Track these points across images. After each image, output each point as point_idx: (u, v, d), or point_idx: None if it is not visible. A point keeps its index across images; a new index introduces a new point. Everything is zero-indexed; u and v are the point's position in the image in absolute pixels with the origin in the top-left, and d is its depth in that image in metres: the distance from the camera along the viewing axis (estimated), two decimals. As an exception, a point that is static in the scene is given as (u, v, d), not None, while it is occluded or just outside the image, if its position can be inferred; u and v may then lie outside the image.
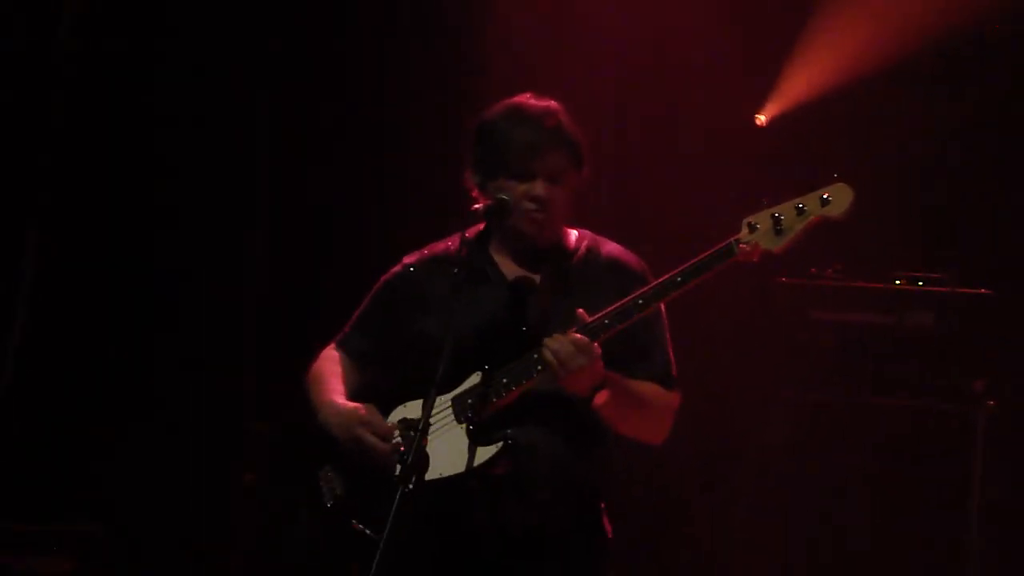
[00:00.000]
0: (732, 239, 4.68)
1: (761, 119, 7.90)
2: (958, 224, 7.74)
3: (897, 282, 7.43)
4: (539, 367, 4.75)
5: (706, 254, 4.70)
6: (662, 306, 4.92)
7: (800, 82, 7.80)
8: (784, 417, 7.43)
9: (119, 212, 7.91)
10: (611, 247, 5.10)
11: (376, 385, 5.15)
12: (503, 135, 4.93)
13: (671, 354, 5.01)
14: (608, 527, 5.01)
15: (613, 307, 4.74)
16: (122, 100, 7.89)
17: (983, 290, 7.30)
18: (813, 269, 7.52)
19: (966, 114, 7.72)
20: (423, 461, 4.56)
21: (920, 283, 7.40)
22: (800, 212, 4.63)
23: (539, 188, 4.89)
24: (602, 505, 5.01)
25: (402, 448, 4.70)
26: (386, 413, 5.00)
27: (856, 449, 7.28)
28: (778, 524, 7.36)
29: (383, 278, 5.21)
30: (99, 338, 7.84)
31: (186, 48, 7.98)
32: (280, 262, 8.15)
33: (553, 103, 5.00)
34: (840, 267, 7.50)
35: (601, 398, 4.80)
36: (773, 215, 4.64)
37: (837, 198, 4.61)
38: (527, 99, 5.02)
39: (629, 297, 4.75)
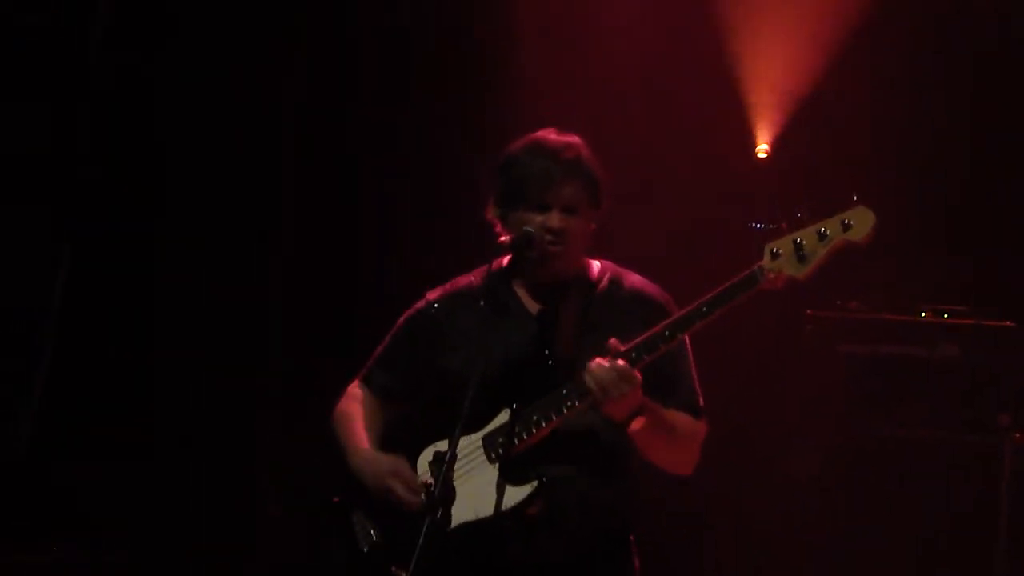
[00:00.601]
0: (756, 267, 4.66)
1: (764, 150, 7.95)
2: (978, 252, 7.74)
3: (923, 314, 7.42)
4: (570, 401, 4.75)
5: (730, 283, 4.69)
6: (686, 337, 4.90)
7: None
8: (811, 449, 7.41)
9: (142, 227, 7.98)
10: (634, 278, 5.09)
11: (402, 423, 5.16)
12: (522, 167, 4.95)
13: (697, 384, 5.00)
14: (637, 559, 5.00)
15: (640, 339, 4.73)
16: (147, 112, 7.97)
17: (1008, 322, 7.29)
18: (839, 301, 7.52)
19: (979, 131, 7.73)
20: (450, 494, 4.57)
21: (946, 315, 7.39)
22: (822, 237, 4.60)
23: (554, 220, 4.89)
24: (631, 537, 5.01)
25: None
26: (415, 452, 5.00)
27: (882, 481, 7.25)
28: (805, 556, 7.33)
29: (405, 314, 5.21)
30: (125, 355, 7.90)
31: (210, 58, 8.03)
32: (302, 278, 8.18)
33: (574, 138, 5.02)
34: (863, 299, 7.50)
35: (637, 424, 4.78)
36: (795, 241, 4.61)
37: (859, 222, 4.58)
38: (549, 133, 5.04)
39: (656, 328, 4.74)
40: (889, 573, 7.19)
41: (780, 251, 4.63)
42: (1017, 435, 7.12)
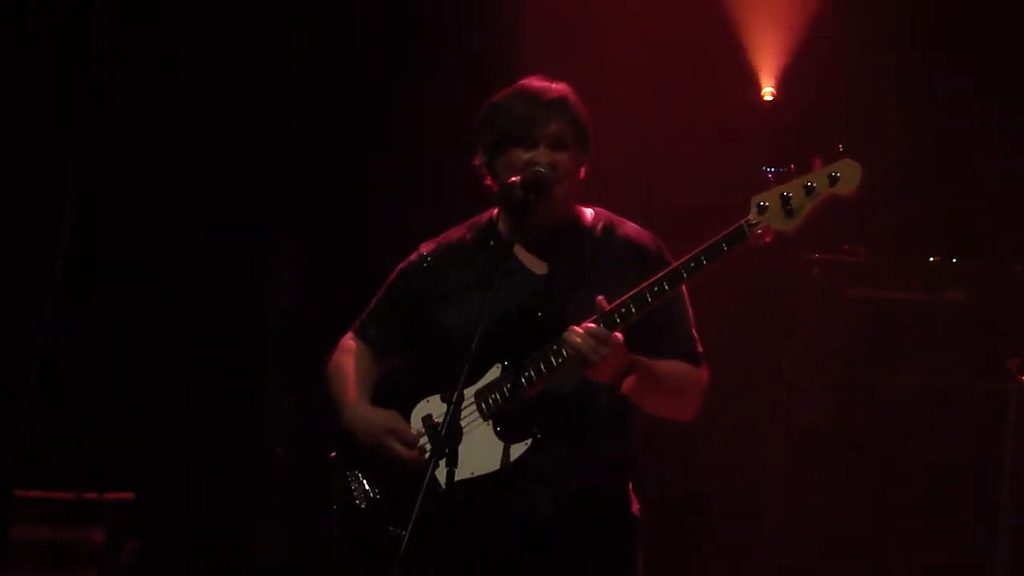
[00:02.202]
0: (743, 221, 4.60)
1: (769, 92, 7.89)
2: (985, 200, 7.69)
3: (930, 259, 7.39)
4: (559, 358, 4.72)
5: (718, 237, 4.63)
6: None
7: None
8: (816, 395, 7.40)
9: (144, 224, 8.01)
10: (628, 227, 5.04)
11: (395, 376, 5.13)
12: (507, 109, 4.92)
13: (694, 331, 4.96)
14: (636, 504, 4.99)
15: (628, 295, 4.68)
16: (147, 109, 7.98)
17: (1016, 266, 7.25)
18: (846, 246, 7.49)
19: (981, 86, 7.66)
20: (457, 434, 4.61)
21: (953, 260, 7.36)
22: (809, 191, 4.53)
23: (543, 155, 4.85)
24: (630, 485, 4.99)
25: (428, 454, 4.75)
26: (408, 406, 4.98)
27: (888, 426, 7.25)
28: (810, 502, 7.34)
29: (398, 267, 5.18)
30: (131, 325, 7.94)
31: (212, 52, 8.03)
32: (306, 271, 8.21)
33: (559, 83, 5.00)
34: (871, 246, 7.47)
35: (628, 383, 4.75)
36: (782, 194, 4.54)
37: (846, 175, 4.51)
38: (533, 80, 5.02)
39: (644, 284, 4.69)
40: (896, 519, 7.19)
41: (767, 204, 4.57)
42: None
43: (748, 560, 7.64)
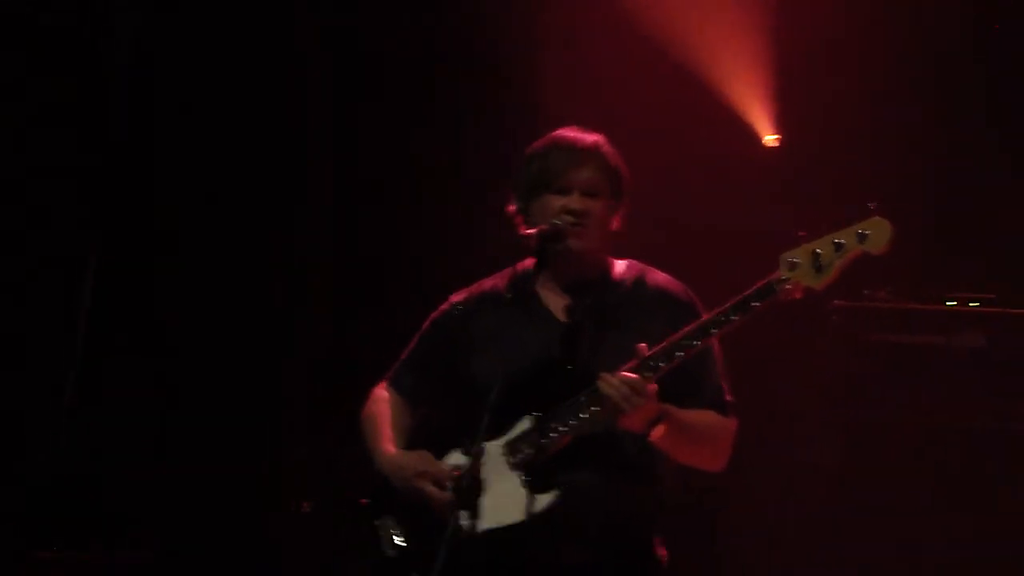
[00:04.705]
0: (772, 278, 4.69)
1: (772, 140, 7.95)
2: (1000, 240, 7.71)
3: (949, 303, 7.41)
4: (590, 409, 4.77)
5: (748, 293, 4.71)
6: None
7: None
8: (838, 440, 7.40)
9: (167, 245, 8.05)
10: (659, 276, 5.11)
11: (428, 425, 5.20)
12: (543, 157, 5.02)
13: (724, 380, 5.02)
14: (663, 554, 5.03)
15: (658, 349, 4.74)
16: (170, 131, 8.02)
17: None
18: (866, 291, 7.51)
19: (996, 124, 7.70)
20: (478, 486, 4.62)
21: (972, 303, 7.38)
22: (839, 248, 4.61)
23: (575, 201, 4.94)
24: (656, 539, 5.03)
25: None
26: (440, 455, 5.03)
27: (909, 472, 7.25)
28: (830, 547, 7.33)
29: (431, 316, 5.26)
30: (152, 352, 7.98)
31: (241, 70, 8.09)
32: (338, 299, 8.25)
33: (595, 134, 5.08)
34: (891, 288, 7.48)
35: (658, 432, 4.81)
36: (812, 251, 4.63)
37: (875, 233, 4.60)
38: (568, 130, 5.11)
39: (674, 338, 4.75)
40: (913, 562, 7.19)
41: (798, 261, 4.66)
42: (1044, 423, 7.11)
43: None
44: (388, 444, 5.16)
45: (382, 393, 5.31)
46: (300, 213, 8.29)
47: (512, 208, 5.09)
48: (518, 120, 7.29)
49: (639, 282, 5.09)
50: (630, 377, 4.69)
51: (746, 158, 8.01)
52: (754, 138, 8.09)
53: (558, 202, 4.95)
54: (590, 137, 5.06)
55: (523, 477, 4.86)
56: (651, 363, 4.73)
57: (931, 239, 7.50)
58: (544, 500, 4.82)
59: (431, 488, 4.95)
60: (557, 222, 4.92)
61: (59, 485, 7.08)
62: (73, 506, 7.54)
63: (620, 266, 5.12)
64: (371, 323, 7.91)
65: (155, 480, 7.80)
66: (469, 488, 4.59)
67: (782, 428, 7.60)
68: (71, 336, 6.70)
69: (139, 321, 7.94)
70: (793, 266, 4.66)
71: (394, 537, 5.05)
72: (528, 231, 4.96)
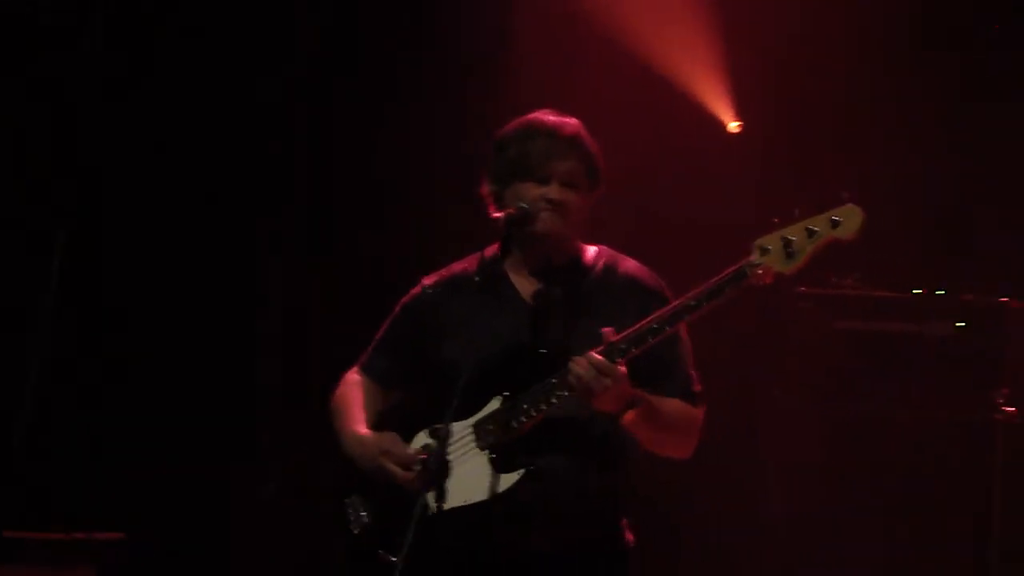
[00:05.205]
0: (744, 263, 4.68)
1: (735, 127, 7.96)
2: (972, 232, 7.73)
3: (917, 291, 7.43)
4: (559, 391, 4.77)
5: (719, 278, 4.71)
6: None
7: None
8: (804, 428, 7.42)
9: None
10: (629, 264, 5.11)
11: (400, 409, 5.19)
12: (521, 142, 4.97)
13: (693, 370, 5.02)
14: (630, 539, 5.04)
15: (628, 333, 4.74)
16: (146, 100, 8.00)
17: (1002, 299, 7.30)
18: (833, 278, 7.51)
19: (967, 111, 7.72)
20: (444, 468, 4.65)
21: (940, 292, 7.40)
22: (811, 234, 4.62)
23: (554, 191, 4.92)
24: (623, 522, 5.04)
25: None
26: (410, 437, 5.02)
27: (876, 459, 7.27)
28: (799, 536, 7.35)
29: (402, 300, 5.24)
30: (118, 343, 7.95)
31: (214, 59, 8.05)
32: (302, 283, 8.22)
33: (572, 118, 5.06)
34: (859, 276, 7.49)
35: (629, 416, 4.82)
36: (784, 237, 4.63)
37: (847, 220, 4.60)
38: (546, 113, 5.07)
39: (644, 322, 4.75)
40: (883, 552, 7.21)
41: (769, 247, 4.66)
42: (1012, 411, 7.12)
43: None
44: (356, 425, 5.15)
45: (354, 377, 5.30)
46: (274, 206, 8.25)
47: (484, 191, 5.06)
48: (486, 113, 7.30)
49: (609, 268, 5.08)
50: (600, 360, 4.69)
51: (710, 146, 8.01)
52: (718, 127, 8.09)
53: (536, 191, 4.93)
54: (571, 125, 5.02)
55: (490, 457, 4.85)
56: (621, 346, 4.73)
57: (902, 228, 7.53)
58: (510, 479, 4.82)
59: (395, 468, 4.95)
60: (524, 205, 4.90)
61: (28, 466, 7.04)
62: (43, 487, 7.51)
63: (590, 252, 5.11)
64: (345, 310, 7.88)
65: (124, 464, 7.79)
66: (436, 468, 4.61)
67: (752, 418, 7.63)
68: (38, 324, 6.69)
69: (103, 306, 7.93)
70: (765, 252, 4.67)
71: (362, 516, 5.04)
72: (496, 215, 4.95)
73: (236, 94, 8.11)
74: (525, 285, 5.04)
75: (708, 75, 8.02)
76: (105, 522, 7.37)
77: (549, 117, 5.04)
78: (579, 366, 4.69)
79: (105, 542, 7.31)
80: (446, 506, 4.68)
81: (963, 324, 7.30)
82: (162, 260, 8.07)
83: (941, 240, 7.80)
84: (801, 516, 7.35)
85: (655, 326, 4.75)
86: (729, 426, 7.14)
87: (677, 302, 4.78)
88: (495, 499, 4.81)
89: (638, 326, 4.75)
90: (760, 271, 4.67)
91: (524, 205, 4.90)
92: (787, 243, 4.64)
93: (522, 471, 4.82)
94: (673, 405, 4.94)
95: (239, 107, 8.11)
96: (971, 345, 7.29)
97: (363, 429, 5.13)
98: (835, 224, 4.60)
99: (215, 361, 8.10)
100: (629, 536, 5.04)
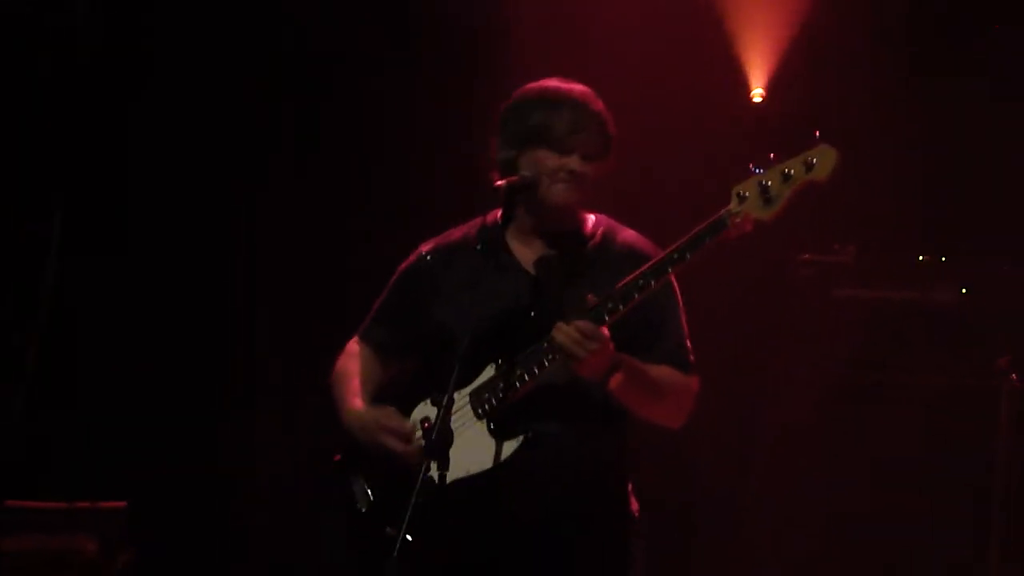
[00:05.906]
0: (723, 211, 4.66)
1: (759, 94, 7.90)
2: (972, 200, 7.68)
3: (920, 258, 7.40)
4: (550, 356, 4.77)
5: (699, 228, 4.69)
6: (676, 291, 4.98)
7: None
8: (805, 395, 7.40)
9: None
10: (627, 233, 5.11)
11: (399, 378, 5.21)
12: (545, 111, 4.95)
13: (687, 339, 5.02)
14: (635, 505, 5.04)
15: (614, 290, 4.75)
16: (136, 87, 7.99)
17: (1005, 265, 7.26)
18: (836, 245, 7.49)
19: (972, 85, 7.66)
20: (448, 437, 4.61)
21: (943, 258, 7.37)
22: (786, 178, 4.59)
23: (575, 163, 4.92)
24: (628, 486, 5.04)
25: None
26: (410, 408, 5.04)
27: (878, 426, 7.25)
28: (799, 501, 7.34)
29: (400, 267, 5.24)
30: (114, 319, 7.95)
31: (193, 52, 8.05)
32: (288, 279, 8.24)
33: (585, 87, 5.04)
34: (861, 243, 7.47)
35: (615, 381, 4.80)
36: (760, 183, 4.61)
37: (821, 161, 4.56)
38: (560, 81, 5.06)
39: (629, 278, 4.75)
40: (884, 519, 7.19)
41: (746, 193, 4.64)
42: (1014, 378, 7.07)
43: (733, 560, 7.63)
44: (354, 399, 5.15)
45: (354, 347, 5.31)
46: (260, 193, 8.26)
47: (494, 158, 5.05)
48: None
49: (608, 237, 5.08)
50: (583, 324, 4.68)
51: (729, 111, 7.95)
52: (742, 90, 8.03)
53: (556, 161, 4.93)
54: (594, 98, 5.01)
55: (490, 425, 4.86)
56: (608, 304, 4.72)
57: (912, 195, 7.49)
58: (511, 447, 4.83)
59: (394, 442, 4.94)
60: (527, 174, 4.89)
61: (30, 436, 7.07)
62: (46, 457, 7.54)
63: (590, 221, 5.11)
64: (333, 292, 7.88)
65: (127, 433, 7.79)
66: (439, 439, 4.57)
67: (751, 384, 7.60)
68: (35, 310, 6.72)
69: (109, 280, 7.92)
70: (742, 198, 4.65)
71: (367, 491, 5.05)
72: (498, 182, 4.92)
73: (231, 94, 8.09)
74: (525, 253, 5.05)
75: (745, 32, 7.97)
76: (108, 492, 7.36)
77: (574, 87, 5.03)
78: (561, 332, 4.69)
79: (108, 511, 7.32)
80: (449, 477, 4.64)
81: (967, 291, 7.26)
82: (163, 250, 8.07)
83: (947, 205, 7.73)
84: (798, 481, 7.33)
85: (640, 281, 4.74)
86: (726, 393, 7.12)
87: (660, 255, 4.77)
88: (496, 467, 4.82)
89: (624, 281, 4.75)
90: (739, 219, 4.65)
91: (527, 173, 4.89)
92: (764, 189, 4.62)
93: (521, 438, 4.83)
94: (662, 372, 4.94)
95: (235, 107, 8.09)
96: (973, 311, 7.25)
97: (360, 403, 5.13)
98: (809, 166, 4.58)
99: (213, 332, 8.11)
100: (634, 502, 5.04)
